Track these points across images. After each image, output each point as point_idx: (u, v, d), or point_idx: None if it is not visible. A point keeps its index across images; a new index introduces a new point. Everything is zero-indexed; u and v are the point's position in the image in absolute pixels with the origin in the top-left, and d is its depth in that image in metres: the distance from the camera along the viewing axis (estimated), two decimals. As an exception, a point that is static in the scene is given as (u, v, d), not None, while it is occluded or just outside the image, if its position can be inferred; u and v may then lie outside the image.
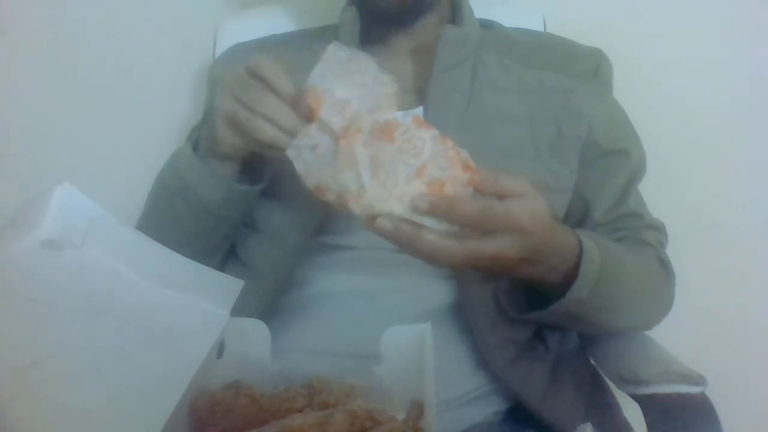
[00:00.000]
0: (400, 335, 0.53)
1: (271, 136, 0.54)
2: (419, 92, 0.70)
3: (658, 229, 0.74)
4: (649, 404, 0.59)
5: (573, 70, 0.72)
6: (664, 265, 0.71)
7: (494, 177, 0.49)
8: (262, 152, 0.58)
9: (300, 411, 0.50)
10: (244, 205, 0.65)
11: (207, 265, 0.56)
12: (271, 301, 0.67)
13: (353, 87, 0.50)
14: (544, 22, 0.88)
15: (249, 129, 0.55)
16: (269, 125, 0.54)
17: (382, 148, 0.47)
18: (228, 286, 0.55)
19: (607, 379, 0.71)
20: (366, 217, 0.47)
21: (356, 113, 0.48)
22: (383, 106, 0.49)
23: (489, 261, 0.49)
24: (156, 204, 0.68)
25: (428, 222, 0.46)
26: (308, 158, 0.50)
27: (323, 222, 0.67)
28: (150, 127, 0.95)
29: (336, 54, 0.51)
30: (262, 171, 0.64)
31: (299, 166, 0.50)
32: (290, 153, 0.50)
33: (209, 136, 0.61)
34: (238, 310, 0.56)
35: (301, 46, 0.77)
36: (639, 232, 0.71)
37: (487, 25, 0.77)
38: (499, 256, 0.49)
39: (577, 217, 0.72)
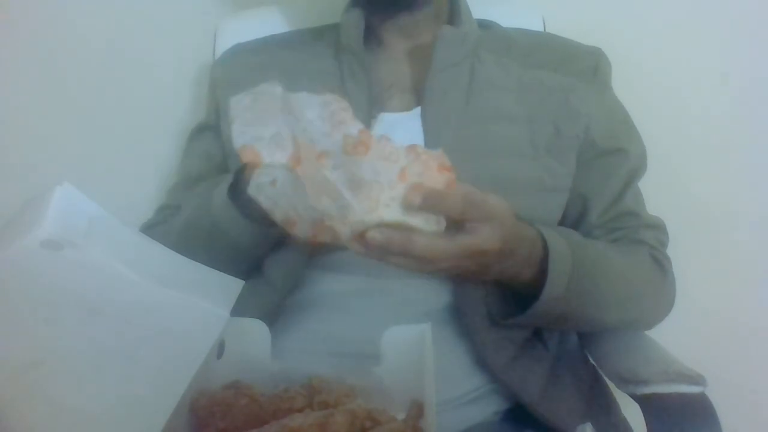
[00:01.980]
0: (400, 335, 0.53)
1: None
2: (417, 92, 0.70)
3: (658, 227, 0.74)
4: (648, 404, 0.59)
5: (572, 69, 0.72)
6: (660, 263, 0.71)
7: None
8: None
9: (300, 411, 0.50)
10: (274, 244, 0.65)
11: None
12: (278, 303, 0.67)
13: (274, 118, 0.49)
14: (544, 22, 0.88)
15: None
16: None
17: (356, 162, 0.46)
18: (228, 286, 0.55)
19: (606, 379, 0.71)
20: (354, 237, 0.47)
21: (294, 137, 0.48)
22: (346, 120, 0.48)
23: (472, 257, 0.50)
24: (184, 238, 0.66)
25: (417, 222, 0.47)
26: (270, 193, 0.50)
27: None
28: (150, 128, 0.95)
29: (241, 104, 0.51)
30: None
31: (264, 203, 0.50)
32: (251, 191, 0.50)
33: None
34: (241, 311, 0.56)
35: (301, 47, 0.78)
36: (636, 232, 0.71)
37: (485, 25, 0.77)
38: (482, 248, 0.50)
39: (575, 216, 0.72)
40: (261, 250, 0.65)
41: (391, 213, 0.46)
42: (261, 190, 0.50)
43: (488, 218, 0.50)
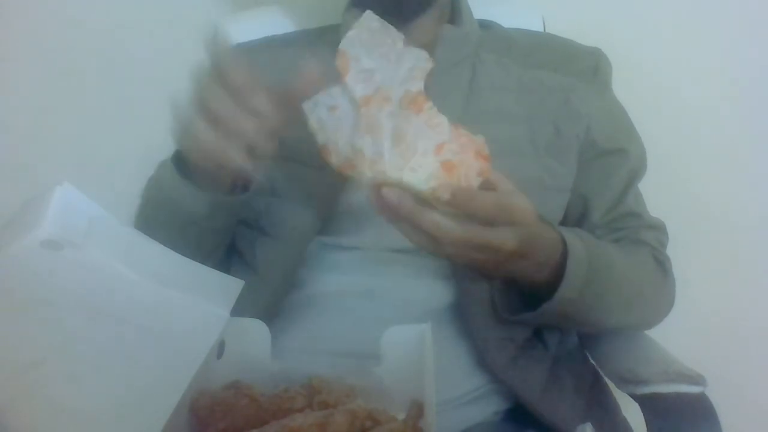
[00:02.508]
0: (400, 335, 0.53)
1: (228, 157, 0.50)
2: None
3: (658, 228, 0.74)
4: (648, 404, 0.59)
5: (572, 69, 0.73)
6: (661, 264, 0.71)
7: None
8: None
9: (300, 411, 0.50)
10: (232, 214, 0.64)
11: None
12: (274, 302, 0.67)
13: (379, 58, 0.49)
14: (544, 22, 0.88)
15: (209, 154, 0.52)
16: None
17: (408, 118, 0.47)
18: (228, 286, 0.55)
19: (606, 379, 0.71)
20: (373, 186, 0.47)
21: (379, 85, 0.48)
22: (416, 77, 0.48)
23: (484, 251, 0.49)
24: (143, 214, 0.67)
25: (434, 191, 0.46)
26: (323, 116, 0.49)
27: (325, 222, 0.67)
28: (149, 128, 0.95)
29: (369, 23, 0.50)
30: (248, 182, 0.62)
31: (312, 122, 0.50)
32: (306, 106, 0.50)
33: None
34: (241, 311, 0.55)
35: (302, 46, 0.78)
36: (637, 232, 0.71)
37: (485, 25, 0.77)
38: (495, 246, 0.49)
39: (576, 216, 0.72)
40: (217, 221, 0.63)
41: (414, 177, 0.46)
42: (316, 109, 0.50)
43: (512, 223, 0.49)
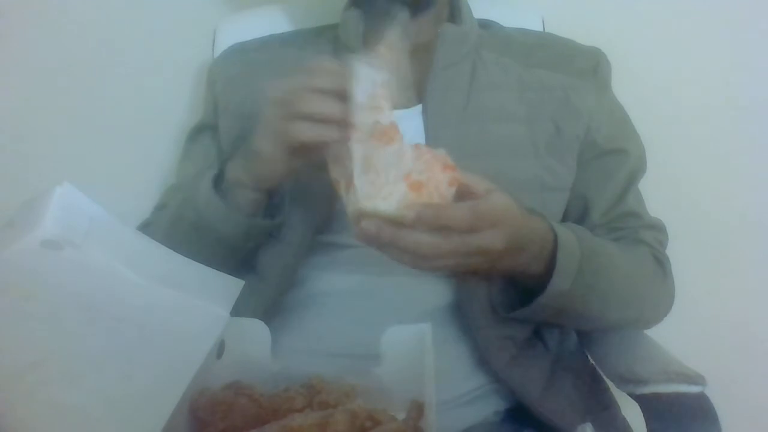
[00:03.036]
0: (400, 335, 0.53)
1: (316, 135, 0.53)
2: (418, 90, 0.70)
3: (658, 228, 0.74)
4: (648, 403, 0.59)
5: (572, 68, 0.73)
6: (660, 263, 0.71)
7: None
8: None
9: (300, 411, 0.50)
10: (262, 237, 0.65)
11: None
12: (274, 301, 0.67)
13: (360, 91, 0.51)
14: (543, 22, 0.88)
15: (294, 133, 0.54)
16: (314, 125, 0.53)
17: (378, 149, 0.48)
18: (228, 286, 0.55)
19: (605, 379, 0.71)
20: (353, 219, 0.48)
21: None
22: (383, 106, 0.49)
23: (474, 256, 0.49)
24: (173, 229, 0.66)
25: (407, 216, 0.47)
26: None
27: (325, 221, 0.67)
28: (149, 127, 0.95)
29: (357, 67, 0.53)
30: (282, 204, 0.64)
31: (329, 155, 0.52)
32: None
33: (247, 164, 0.60)
34: (240, 310, 0.56)
35: (301, 46, 0.78)
36: (637, 232, 0.71)
37: (485, 25, 0.77)
38: (484, 249, 0.49)
39: (576, 216, 0.72)
40: (249, 242, 0.64)
41: (386, 205, 0.47)
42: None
43: (494, 225, 0.49)
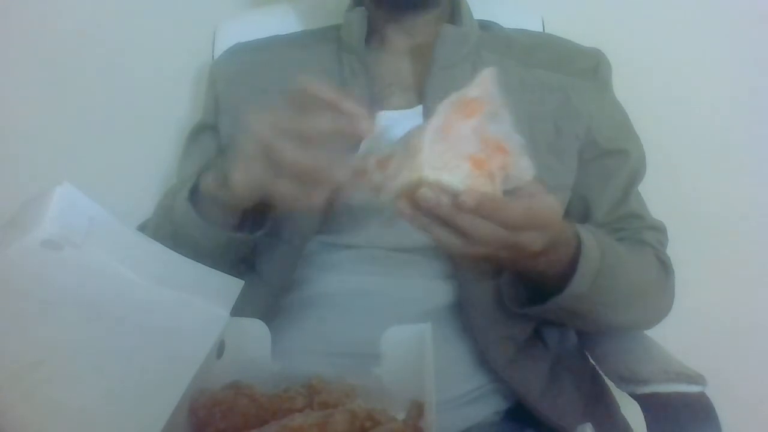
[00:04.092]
0: (400, 335, 0.53)
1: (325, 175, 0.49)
2: (419, 90, 0.70)
3: (659, 229, 0.74)
4: (648, 403, 0.59)
5: (572, 69, 0.73)
6: (664, 264, 0.71)
7: None
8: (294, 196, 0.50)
9: (300, 411, 0.50)
10: (242, 250, 0.64)
11: None
12: (274, 302, 0.67)
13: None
14: (543, 22, 0.88)
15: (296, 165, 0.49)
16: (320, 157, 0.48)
17: (458, 121, 0.47)
18: (228, 286, 0.55)
19: (605, 378, 0.71)
20: (405, 189, 0.46)
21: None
22: (478, 84, 0.48)
23: (510, 250, 0.49)
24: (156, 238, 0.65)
25: None
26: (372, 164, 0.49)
27: (325, 221, 0.67)
28: (149, 128, 0.95)
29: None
30: (264, 217, 0.62)
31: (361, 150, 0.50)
32: (364, 143, 0.50)
33: (221, 182, 0.56)
34: (241, 311, 0.55)
35: (302, 45, 0.78)
36: (639, 233, 0.71)
37: (486, 26, 0.77)
38: (522, 246, 0.49)
39: (578, 217, 0.72)
40: (230, 254, 0.63)
41: (451, 178, 0.45)
42: (371, 150, 0.49)
43: (541, 227, 0.49)
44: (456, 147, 0.46)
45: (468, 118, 0.46)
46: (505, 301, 0.63)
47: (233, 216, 0.60)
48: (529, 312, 0.62)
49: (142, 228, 0.74)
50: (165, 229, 0.63)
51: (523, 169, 0.48)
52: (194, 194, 0.61)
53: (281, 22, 0.86)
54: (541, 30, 0.87)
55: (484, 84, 0.48)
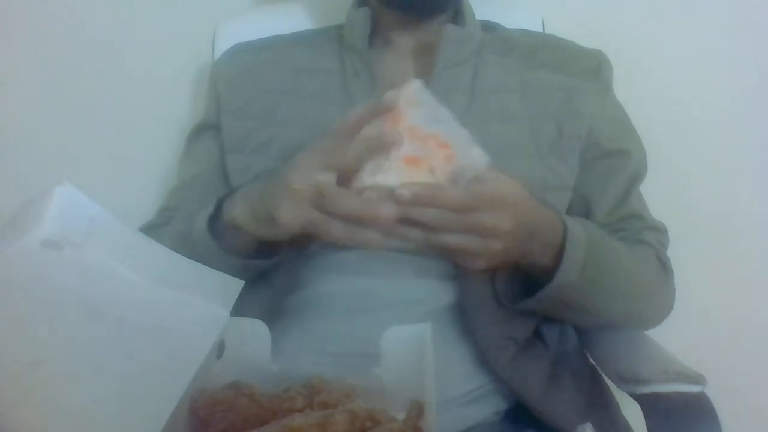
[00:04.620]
0: (400, 335, 0.53)
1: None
2: None
3: (660, 230, 0.74)
4: (648, 403, 0.59)
5: (574, 70, 0.73)
6: (663, 265, 0.71)
7: None
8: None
9: (300, 411, 0.50)
10: (257, 273, 0.64)
11: None
12: (276, 303, 0.67)
13: None
14: (543, 23, 0.88)
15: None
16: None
17: (387, 129, 0.50)
18: (228, 286, 0.55)
19: (606, 378, 0.71)
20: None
21: None
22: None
23: (485, 238, 0.50)
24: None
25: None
26: None
27: None
28: (149, 128, 0.95)
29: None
30: (281, 244, 0.61)
31: None
32: None
33: (264, 220, 0.56)
34: (242, 311, 0.55)
35: (304, 45, 0.78)
36: (640, 233, 0.72)
37: (488, 26, 0.78)
38: (490, 229, 0.50)
39: (579, 217, 0.72)
40: (245, 276, 0.61)
41: (386, 179, 0.49)
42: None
43: (497, 206, 0.50)
44: (387, 153, 0.49)
45: (396, 125, 0.50)
46: (501, 298, 0.63)
47: (254, 245, 0.60)
48: (524, 306, 0.62)
49: (147, 229, 0.74)
50: (183, 251, 0.61)
51: (475, 158, 0.51)
52: (213, 220, 0.61)
53: (281, 22, 0.86)
54: (541, 30, 0.87)
55: (408, 95, 0.51)
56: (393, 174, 0.49)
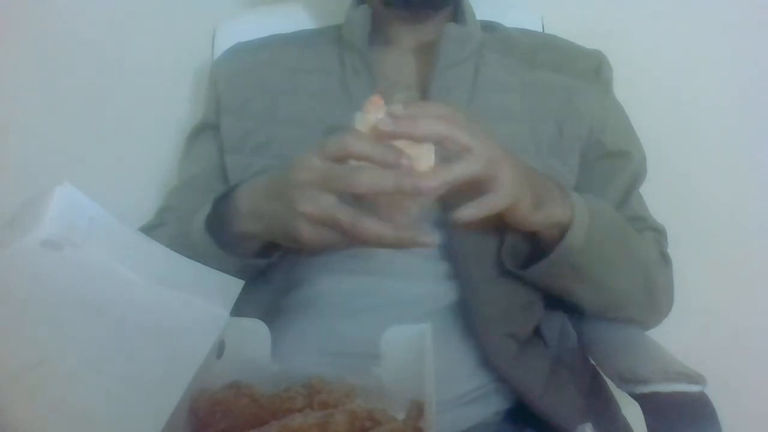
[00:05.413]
0: (400, 335, 0.53)
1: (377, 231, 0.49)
2: (422, 89, 0.70)
3: (659, 231, 0.75)
4: (648, 403, 0.59)
5: (574, 70, 0.73)
6: (664, 256, 0.72)
7: None
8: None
9: (300, 411, 0.50)
10: (256, 272, 0.64)
11: None
12: (276, 302, 0.67)
13: None
14: (543, 23, 0.88)
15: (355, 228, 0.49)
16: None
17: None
18: (228, 286, 0.55)
19: (606, 378, 0.71)
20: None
21: None
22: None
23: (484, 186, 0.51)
24: None
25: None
26: None
27: None
28: (149, 128, 0.96)
29: None
30: (280, 244, 0.62)
31: None
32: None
33: (284, 236, 0.55)
34: (242, 311, 0.55)
35: (304, 44, 0.78)
36: (640, 234, 0.72)
37: (489, 26, 0.78)
38: (486, 150, 0.51)
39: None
40: (245, 276, 0.61)
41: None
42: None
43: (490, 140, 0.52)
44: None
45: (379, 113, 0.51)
46: (507, 265, 0.63)
47: (255, 245, 0.61)
48: (531, 273, 0.62)
49: (147, 230, 0.74)
50: (181, 251, 0.61)
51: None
52: (211, 220, 0.61)
53: (281, 22, 0.86)
54: (541, 30, 0.87)
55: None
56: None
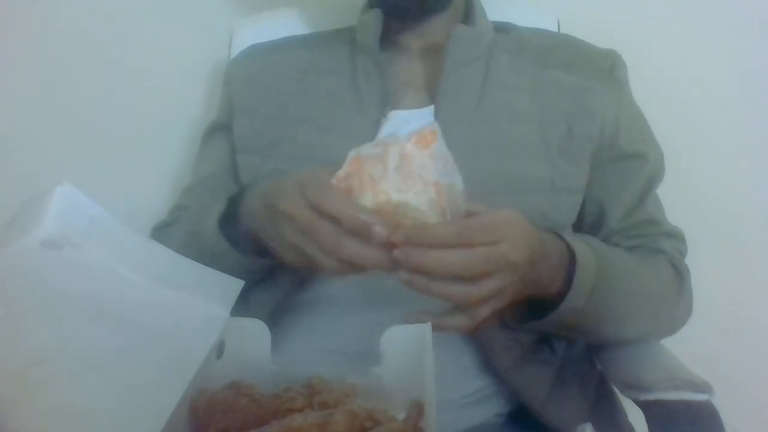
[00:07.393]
0: (400, 335, 0.53)
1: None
2: (431, 90, 0.70)
3: (677, 237, 0.73)
4: (652, 410, 0.58)
5: (587, 70, 0.72)
6: (679, 274, 0.69)
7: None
8: None
9: (300, 411, 0.50)
10: (266, 271, 0.64)
11: None
12: (280, 302, 0.67)
13: None
14: (558, 23, 0.87)
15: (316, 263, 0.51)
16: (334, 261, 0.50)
17: (416, 150, 0.49)
18: (228, 286, 0.55)
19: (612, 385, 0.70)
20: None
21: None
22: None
23: (489, 266, 0.49)
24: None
25: (432, 217, 0.49)
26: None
27: None
28: (164, 128, 0.96)
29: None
30: None
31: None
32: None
33: (264, 235, 0.56)
34: (248, 310, 0.56)
35: (317, 47, 0.78)
36: (656, 240, 0.70)
37: (503, 27, 0.77)
38: (494, 258, 0.49)
39: (592, 222, 0.71)
40: (253, 276, 0.63)
41: (417, 201, 0.48)
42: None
43: (493, 238, 0.49)
44: (419, 173, 0.48)
45: (425, 149, 0.49)
46: (506, 319, 0.62)
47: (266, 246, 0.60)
48: (530, 327, 0.61)
49: (160, 228, 0.74)
50: (193, 249, 0.62)
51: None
52: (224, 218, 0.62)
53: (297, 24, 0.86)
54: (557, 30, 0.86)
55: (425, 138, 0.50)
56: (423, 197, 0.48)
